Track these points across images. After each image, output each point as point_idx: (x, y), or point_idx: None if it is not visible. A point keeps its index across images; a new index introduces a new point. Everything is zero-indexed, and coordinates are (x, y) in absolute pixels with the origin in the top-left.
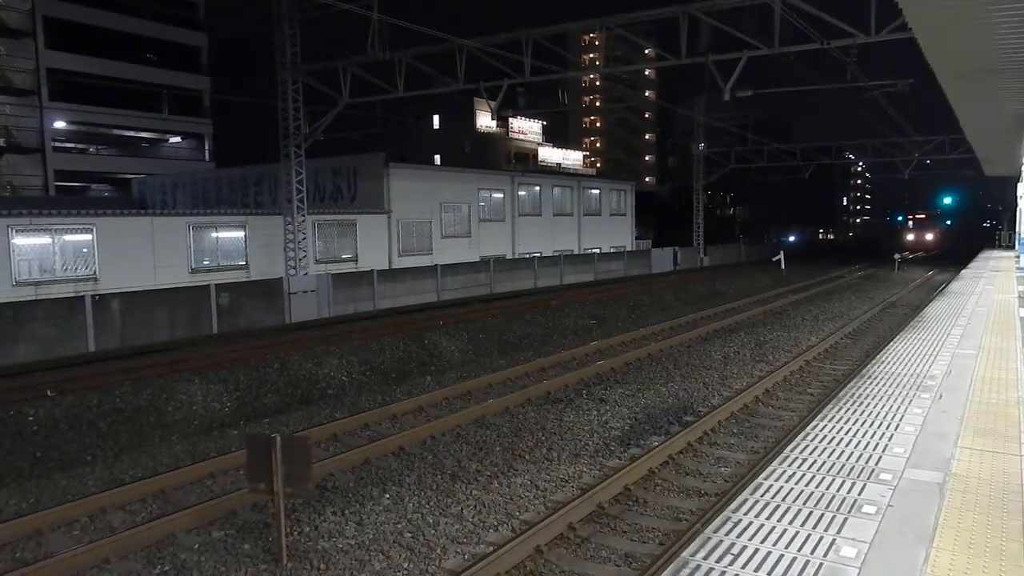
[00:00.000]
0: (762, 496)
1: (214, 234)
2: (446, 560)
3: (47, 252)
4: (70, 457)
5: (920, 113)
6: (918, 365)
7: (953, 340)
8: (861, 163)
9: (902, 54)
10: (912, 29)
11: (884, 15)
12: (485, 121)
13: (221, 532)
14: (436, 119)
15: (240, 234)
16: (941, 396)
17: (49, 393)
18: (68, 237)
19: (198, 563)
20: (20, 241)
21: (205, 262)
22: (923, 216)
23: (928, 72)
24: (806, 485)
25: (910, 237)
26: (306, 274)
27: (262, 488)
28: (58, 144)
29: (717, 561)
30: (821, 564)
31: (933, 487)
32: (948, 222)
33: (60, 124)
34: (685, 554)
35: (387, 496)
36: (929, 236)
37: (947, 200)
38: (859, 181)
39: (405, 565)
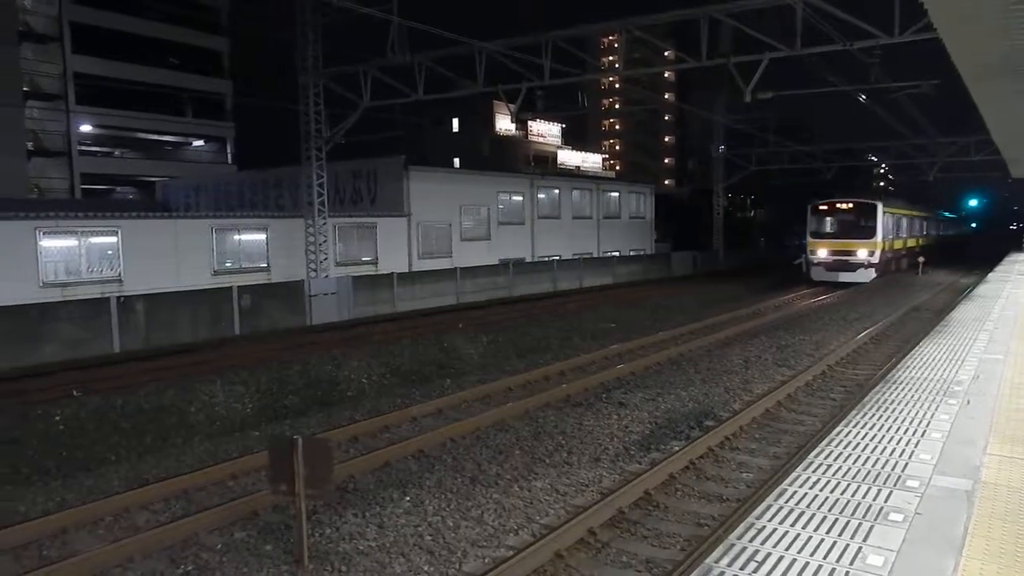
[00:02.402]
0: (786, 502)
1: (236, 236)
2: (466, 563)
3: (73, 254)
4: (95, 457)
5: (945, 114)
6: (944, 370)
7: (980, 344)
8: (884, 165)
9: (927, 55)
10: (937, 29)
11: (908, 15)
12: (504, 124)
13: (243, 533)
14: (455, 122)
15: (262, 236)
16: (968, 401)
17: (75, 393)
18: (94, 239)
19: (220, 563)
20: (47, 243)
21: (227, 264)
22: (848, 205)
23: (953, 72)
24: (831, 492)
25: (821, 253)
26: (327, 276)
27: (283, 490)
28: (84, 147)
29: (741, 568)
30: (847, 572)
31: (961, 495)
32: (974, 225)
33: (86, 128)
34: (708, 560)
35: (407, 499)
36: (862, 253)
37: (972, 202)
38: (882, 183)
39: (425, 568)
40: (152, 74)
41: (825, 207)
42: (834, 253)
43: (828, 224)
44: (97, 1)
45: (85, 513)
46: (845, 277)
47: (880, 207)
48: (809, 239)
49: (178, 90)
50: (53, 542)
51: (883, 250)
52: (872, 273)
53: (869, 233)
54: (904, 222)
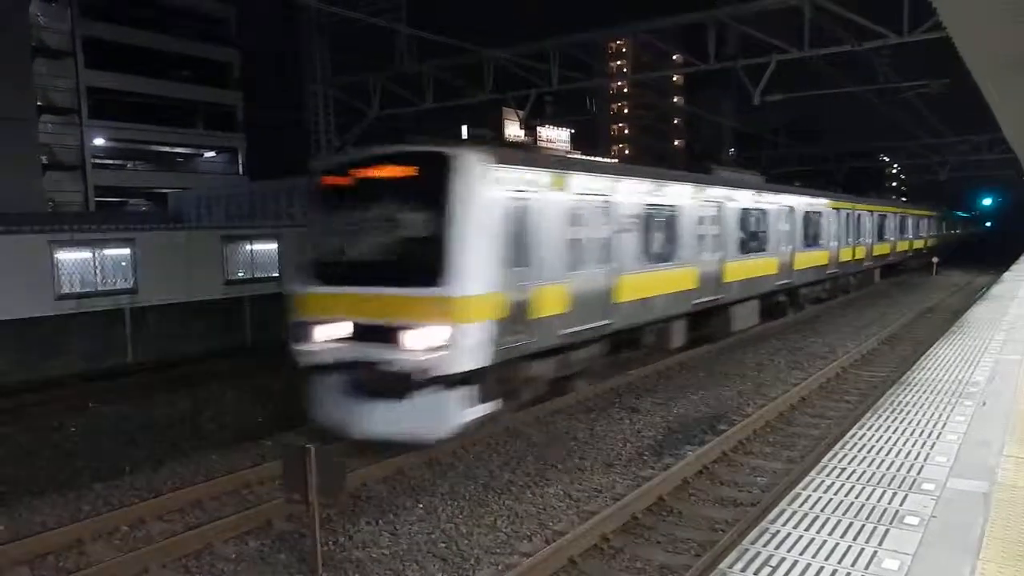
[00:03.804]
0: (800, 507)
1: (248, 247)
2: (479, 571)
3: (88, 266)
4: (110, 467)
5: (956, 113)
6: (959, 371)
7: (996, 345)
8: (896, 166)
9: (937, 53)
10: (946, 28)
11: (917, 14)
12: (513, 130)
13: (257, 542)
14: (464, 129)
15: (273, 246)
16: (984, 403)
17: (90, 405)
18: (108, 251)
19: (235, 572)
20: (62, 256)
21: (240, 274)
22: (392, 171)
23: (964, 71)
24: (845, 495)
25: (319, 336)
26: None
27: (297, 499)
28: (97, 160)
29: (755, 573)
30: None
31: (978, 497)
32: (988, 224)
33: (99, 141)
34: (723, 566)
35: (420, 506)
36: (414, 339)
37: (986, 201)
38: (894, 184)
39: (439, 575)
40: (164, 87)
41: (344, 182)
42: (354, 335)
43: (344, 242)
44: (109, 16)
45: (101, 524)
46: (374, 421)
47: (469, 162)
48: (295, 290)
49: (189, 103)
50: (70, 552)
51: (503, 322)
52: (460, 411)
53: (432, 271)
54: (701, 220)
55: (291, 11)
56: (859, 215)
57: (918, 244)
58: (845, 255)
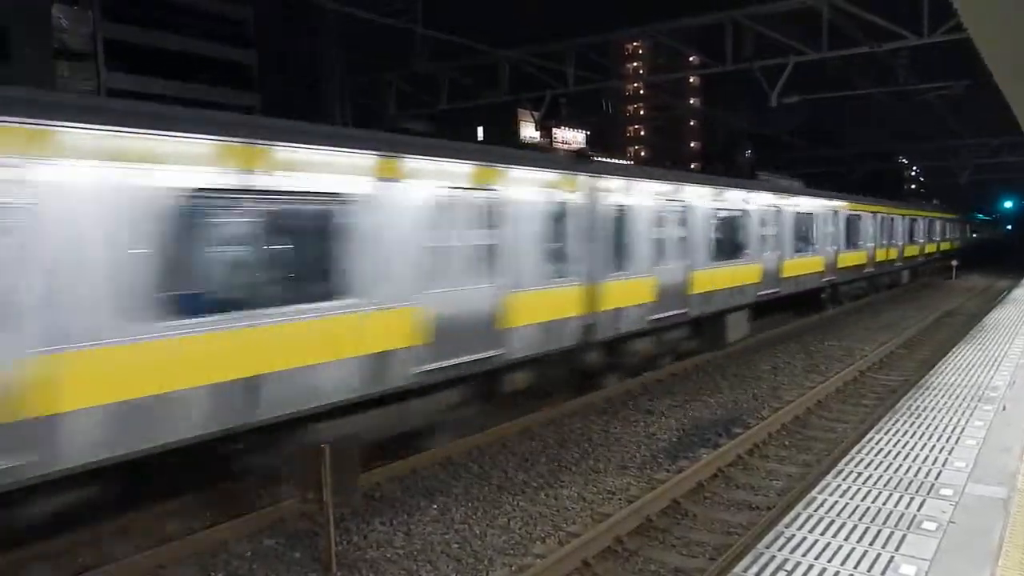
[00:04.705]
0: (816, 511)
1: None
2: (493, 572)
3: None
4: None
5: (977, 115)
6: (979, 375)
7: (1016, 350)
8: (915, 168)
9: (958, 55)
10: (967, 29)
11: (937, 15)
12: (529, 132)
13: (272, 540)
14: (480, 131)
15: None
16: (1005, 407)
17: None
18: None
19: (250, 570)
20: None
21: None
22: None
23: (985, 72)
24: (862, 500)
25: None
26: None
27: (311, 497)
28: None
29: None
30: None
31: (997, 503)
32: (1009, 227)
33: None
34: (737, 569)
35: (434, 506)
36: None
37: (1007, 204)
38: (913, 186)
39: (452, 575)
40: (183, 89)
41: None
42: None
43: None
44: (129, 19)
45: (118, 522)
46: None
47: None
48: None
49: (208, 104)
50: (88, 549)
51: None
52: None
53: None
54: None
55: (307, 11)
56: (718, 211)
57: (854, 259)
58: (613, 299)
